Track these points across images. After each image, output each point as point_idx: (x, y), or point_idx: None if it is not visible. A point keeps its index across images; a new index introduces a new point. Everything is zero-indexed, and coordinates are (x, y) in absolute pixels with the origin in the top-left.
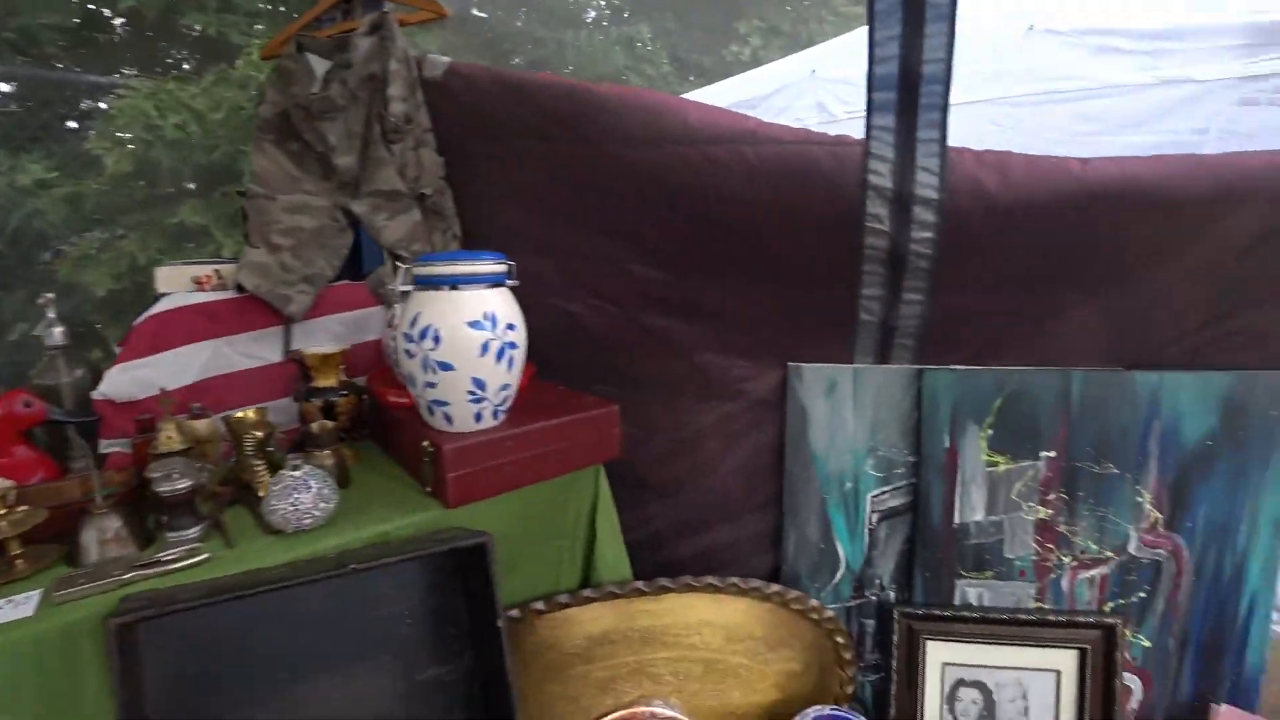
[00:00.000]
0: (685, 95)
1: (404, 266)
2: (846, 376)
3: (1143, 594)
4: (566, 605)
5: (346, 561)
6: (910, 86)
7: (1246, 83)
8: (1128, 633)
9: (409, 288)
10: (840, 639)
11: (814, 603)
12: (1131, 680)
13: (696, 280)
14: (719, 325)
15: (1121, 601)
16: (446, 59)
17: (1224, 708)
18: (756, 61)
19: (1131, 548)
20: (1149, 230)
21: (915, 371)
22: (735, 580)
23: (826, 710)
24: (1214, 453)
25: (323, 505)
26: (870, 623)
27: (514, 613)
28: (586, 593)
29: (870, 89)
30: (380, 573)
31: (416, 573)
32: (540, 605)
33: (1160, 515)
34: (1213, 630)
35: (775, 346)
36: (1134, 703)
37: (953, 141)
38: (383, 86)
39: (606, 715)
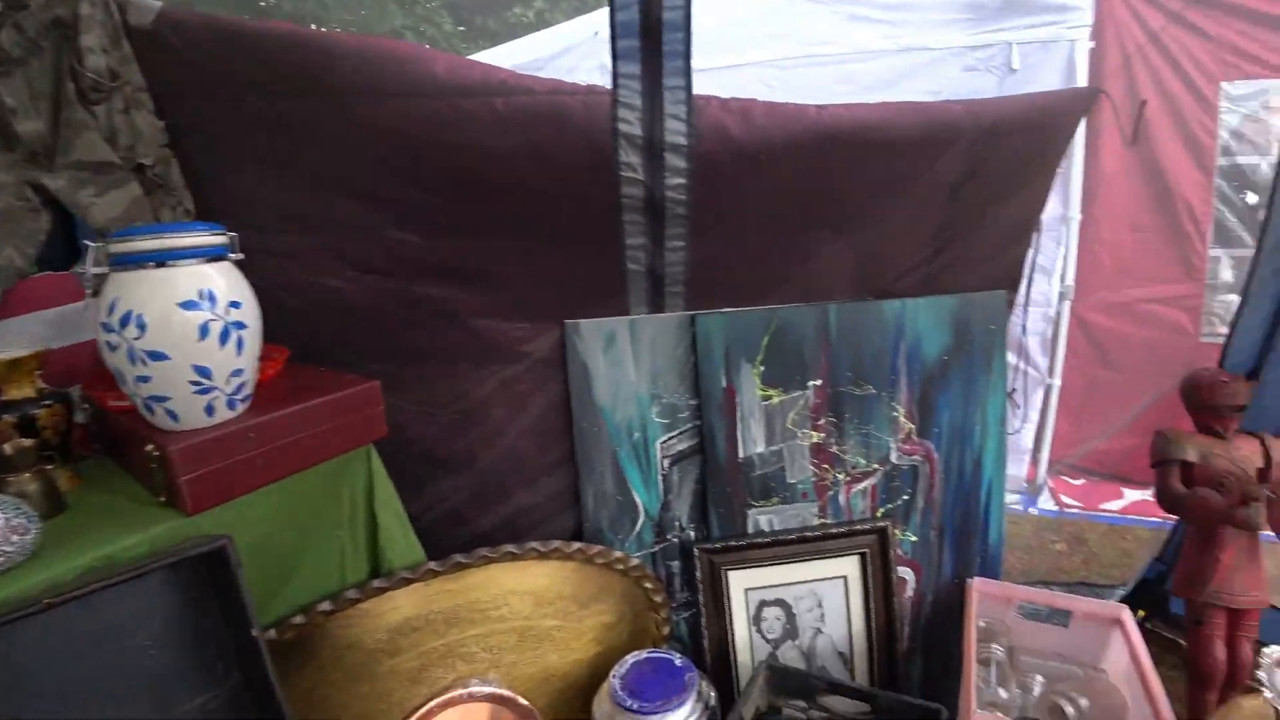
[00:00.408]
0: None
1: (93, 245)
2: (624, 328)
3: (906, 496)
4: (358, 600)
5: (45, 597)
6: (652, 34)
7: (969, 52)
8: (897, 532)
9: (103, 269)
10: (649, 585)
11: (618, 554)
12: (905, 572)
13: (463, 242)
14: (491, 288)
15: (889, 506)
16: (158, 3)
17: (977, 580)
18: (543, 23)
19: (893, 458)
20: (879, 170)
21: (688, 317)
22: (534, 545)
23: (644, 654)
24: (949, 366)
25: (15, 540)
26: (676, 564)
27: (299, 619)
28: (377, 583)
29: (614, 36)
30: (110, 601)
31: (152, 594)
32: (327, 606)
33: (913, 426)
34: (962, 518)
35: (550, 304)
36: (909, 591)
37: None
38: (74, 35)
39: (423, 706)
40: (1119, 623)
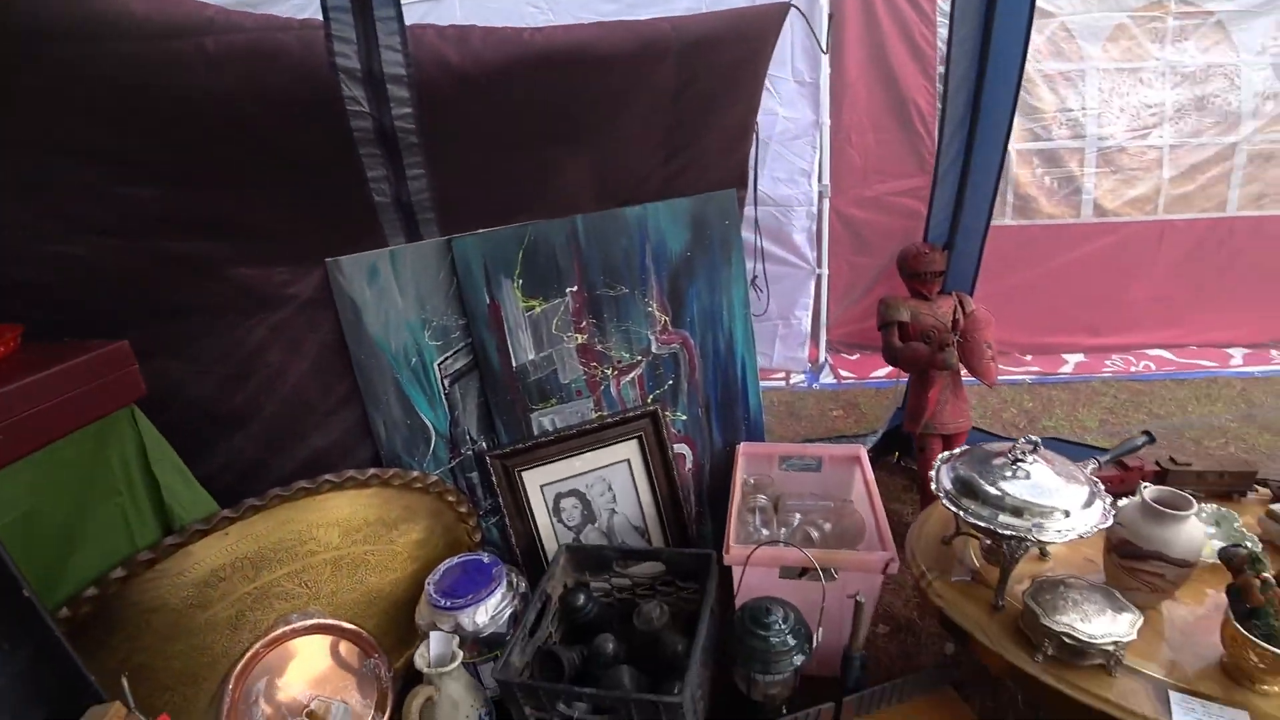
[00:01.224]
0: None
1: None
2: (384, 260)
3: (671, 381)
4: (153, 560)
5: None
6: None
7: None
8: (668, 414)
9: None
10: (452, 498)
11: (415, 474)
12: (681, 448)
13: (201, 192)
14: (241, 235)
15: (658, 391)
16: None
17: (743, 445)
18: None
19: (654, 348)
20: (599, 86)
21: (445, 242)
22: (329, 478)
23: (456, 559)
24: (693, 261)
25: None
26: (475, 475)
27: (92, 591)
28: (170, 541)
29: None
30: None
31: None
32: (120, 572)
33: (667, 318)
34: (724, 392)
35: (308, 245)
36: (689, 464)
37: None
38: None
39: (249, 650)
40: (857, 460)
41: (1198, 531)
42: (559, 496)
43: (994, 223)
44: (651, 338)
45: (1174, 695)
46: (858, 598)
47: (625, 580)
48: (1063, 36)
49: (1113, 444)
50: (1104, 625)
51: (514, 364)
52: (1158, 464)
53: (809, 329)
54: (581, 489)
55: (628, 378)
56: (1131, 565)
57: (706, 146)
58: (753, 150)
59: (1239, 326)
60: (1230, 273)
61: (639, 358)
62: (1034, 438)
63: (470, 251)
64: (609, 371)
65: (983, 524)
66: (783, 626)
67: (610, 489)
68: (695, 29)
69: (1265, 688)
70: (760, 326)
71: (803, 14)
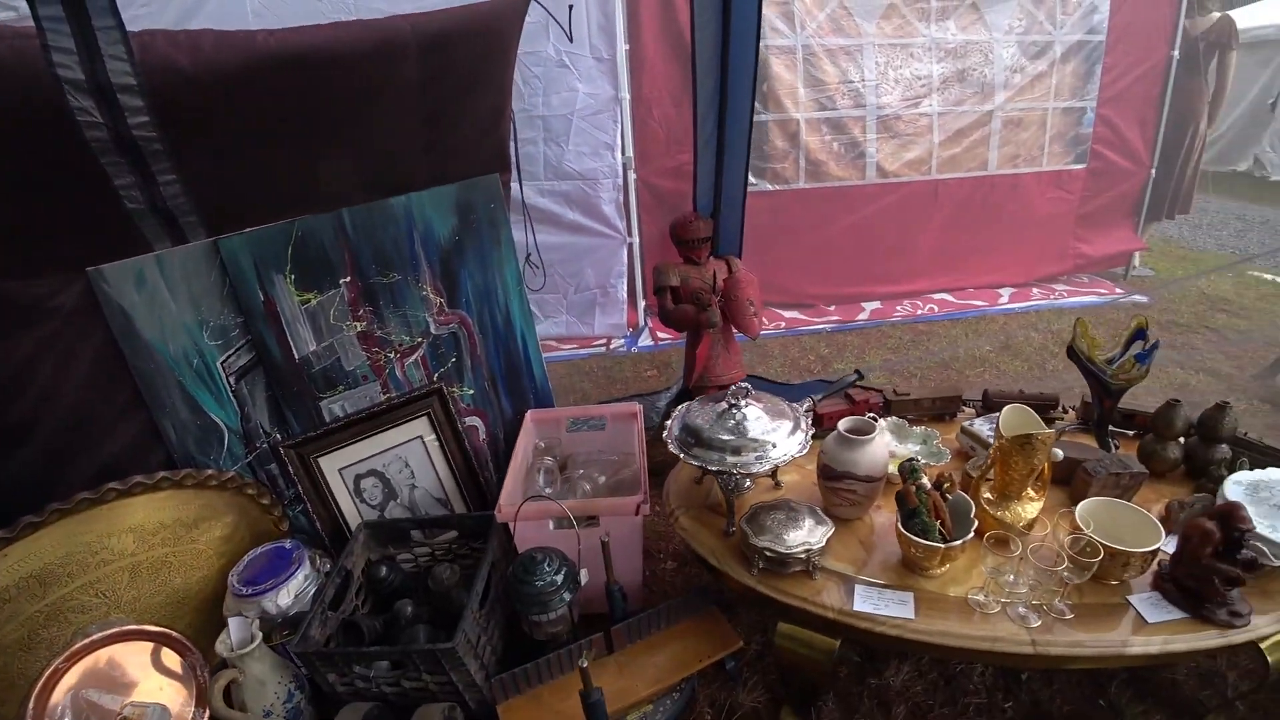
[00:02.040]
0: None
1: None
2: (150, 265)
3: (454, 359)
4: None
5: None
6: None
7: None
8: (455, 390)
9: None
10: (252, 491)
11: (209, 472)
12: (473, 420)
13: None
14: None
15: (443, 370)
16: None
17: (530, 412)
18: None
19: (433, 329)
20: (344, 86)
21: (212, 243)
22: (113, 485)
23: (259, 549)
24: (462, 243)
25: None
26: (274, 466)
27: None
28: None
29: None
30: None
31: None
32: None
33: (441, 299)
34: (508, 365)
35: (67, 255)
36: (482, 435)
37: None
38: None
39: (48, 668)
40: (634, 416)
41: (881, 452)
42: (358, 478)
43: (791, 186)
44: (429, 320)
45: (858, 587)
46: (603, 538)
47: (426, 549)
48: (842, 14)
49: (890, 380)
50: (800, 538)
51: (296, 356)
52: (883, 395)
53: (625, 296)
54: (379, 468)
55: (411, 359)
56: (830, 485)
57: (463, 135)
58: (511, 134)
59: (1006, 269)
60: (995, 223)
61: (419, 340)
62: (746, 384)
63: (239, 251)
64: (392, 355)
65: (705, 465)
66: (548, 570)
67: (407, 465)
68: (434, 26)
69: (931, 572)
70: (580, 297)
71: (544, 7)
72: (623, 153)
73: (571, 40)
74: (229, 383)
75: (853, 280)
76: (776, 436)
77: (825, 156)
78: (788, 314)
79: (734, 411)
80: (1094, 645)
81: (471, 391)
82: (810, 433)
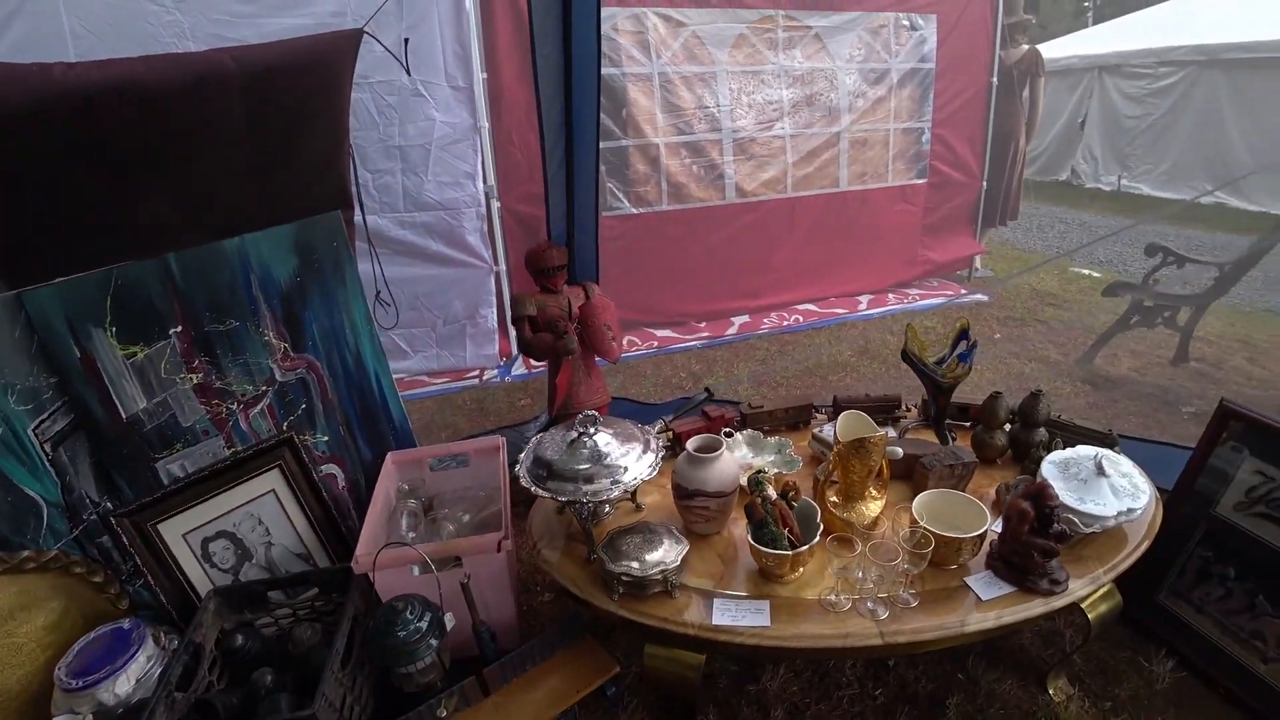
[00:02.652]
0: None
1: None
2: None
3: (304, 406)
4: None
5: None
6: None
7: None
8: (308, 438)
9: None
10: (80, 569)
11: (25, 554)
12: (331, 468)
13: None
14: None
15: (293, 418)
16: None
17: (390, 454)
18: None
19: (278, 376)
20: (157, 123)
21: (14, 297)
22: None
23: (93, 634)
24: (305, 284)
25: None
26: (106, 539)
27: None
28: None
29: None
30: None
31: None
32: None
33: (285, 344)
34: (363, 407)
35: None
36: (341, 482)
37: None
38: None
39: None
40: (498, 449)
41: (730, 468)
42: (206, 542)
43: (655, 208)
44: (274, 366)
45: (716, 601)
46: (462, 580)
47: (288, 610)
48: (695, 44)
49: (756, 391)
50: (657, 558)
51: (124, 415)
52: (738, 410)
53: (496, 325)
54: (230, 529)
55: (256, 409)
56: (684, 503)
57: (299, 172)
58: (352, 169)
59: (863, 278)
60: (850, 236)
61: (264, 388)
62: (593, 413)
63: (47, 304)
64: (234, 406)
65: (558, 496)
66: (410, 618)
67: (261, 522)
68: (260, 60)
69: (786, 579)
70: (449, 329)
71: (377, 40)
72: (484, 181)
73: (410, 74)
74: (44, 451)
75: (721, 296)
76: (627, 460)
77: (686, 179)
78: (660, 333)
79: (584, 440)
80: (936, 629)
81: (326, 438)
82: (661, 454)
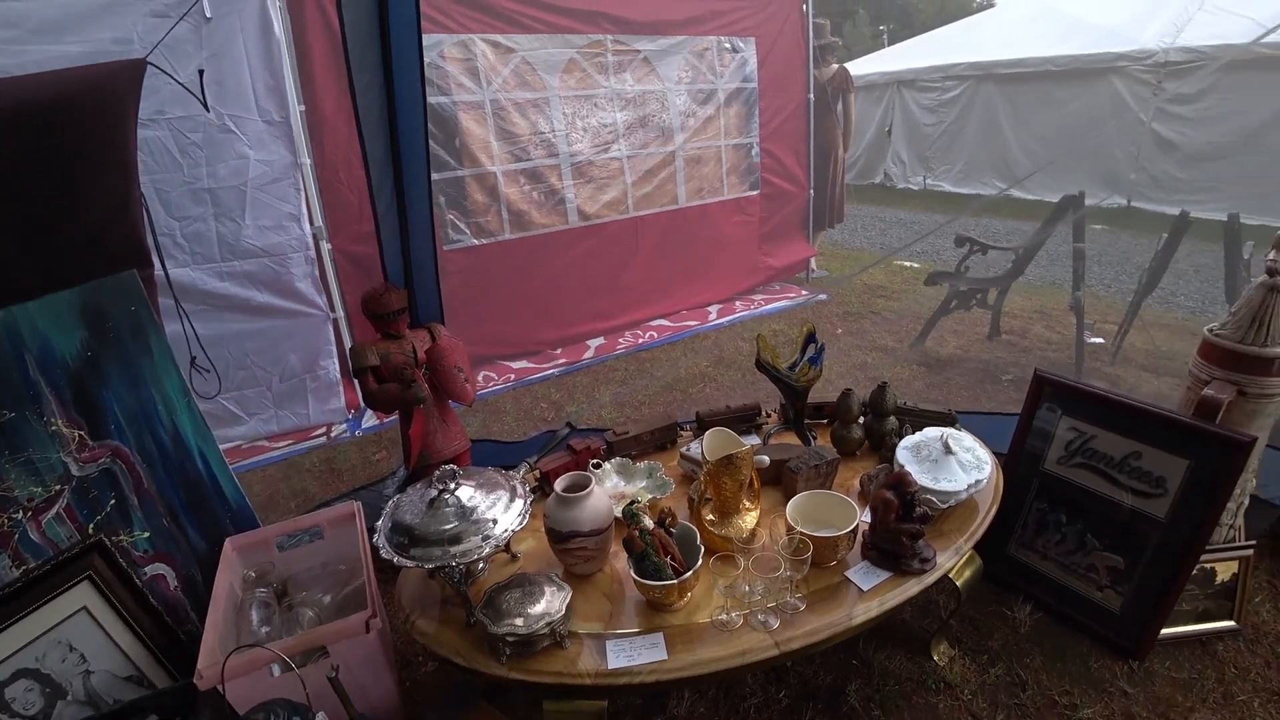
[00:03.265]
0: None
1: None
2: None
3: (113, 502)
4: None
5: None
6: None
7: None
8: (123, 538)
9: None
10: None
11: None
12: (159, 567)
13: None
14: None
15: (100, 518)
16: None
17: (228, 540)
18: None
19: (75, 471)
20: None
21: None
22: None
23: None
24: (98, 359)
25: None
26: None
27: None
28: None
29: None
30: None
31: None
32: None
33: (81, 432)
34: (188, 491)
35: None
36: (173, 582)
37: None
38: None
39: None
40: (353, 516)
41: (602, 503)
42: (2, 687)
43: (498, 238)
44: (68, 461)
45: (609, 643)
46: (329, 674)
47: None
48: (525, 69)
49: (620, 413)
50: (541, 610)
51: None
52: (604, 439)
53: (339, 376)
54: (32, 665)
55: (49, 514)
56: (561, 547)
57: (79, 227)
58: (145, 220)
59: (710, 289)
60: (693, 249)
61: (57, 488)
62: (451, 467)
63: None
64: (20, 515)
65: (424, 565)
66: None
67: (73, 649)
68: (21, 94)
69: (676, 606)
70: (287, 386)
71: (164, 71)
72: (311, 222)
73: (208, 108)
74: None
75: (574, 321)
76: (495, 512)
77: (527, 206)
78: (516, 365)
79: (444, 498)
80: (827, 627)
81: (147, 534)
82: (530, 498)
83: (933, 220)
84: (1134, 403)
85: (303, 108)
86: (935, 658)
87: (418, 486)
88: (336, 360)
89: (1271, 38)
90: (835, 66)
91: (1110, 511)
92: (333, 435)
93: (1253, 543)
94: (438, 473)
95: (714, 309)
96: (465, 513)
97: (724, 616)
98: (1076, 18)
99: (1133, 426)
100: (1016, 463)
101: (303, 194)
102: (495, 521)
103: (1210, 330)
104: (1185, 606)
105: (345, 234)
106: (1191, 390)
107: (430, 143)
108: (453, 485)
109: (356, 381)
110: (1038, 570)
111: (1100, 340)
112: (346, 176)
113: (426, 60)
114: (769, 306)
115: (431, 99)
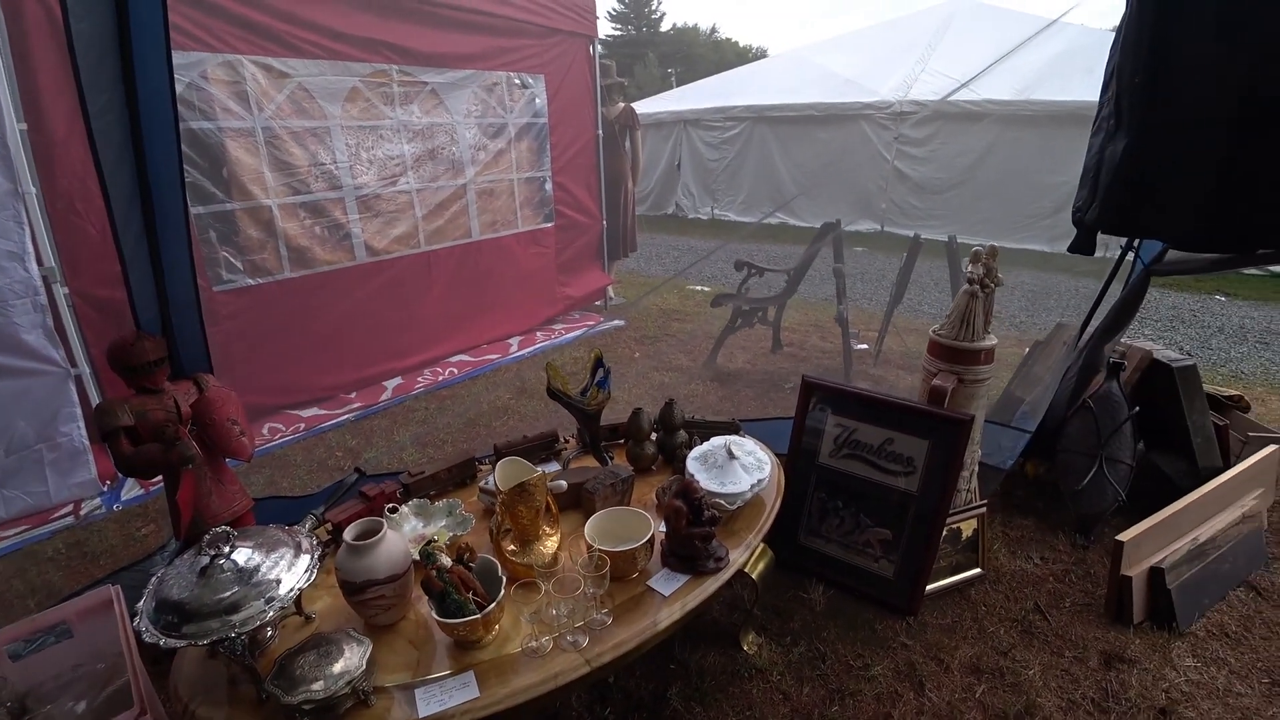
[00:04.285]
0: None
1: None
2: None
3: None
4: None
5: None
6: None
7: None
8: None
9: None
10: None
11: None
12: None
13: None
14: None
15: None
16: None
17: None
18: None
19: None
20: None
21: None
22: None
23: None
24: None
25: None
26: None
27: None
28: None
29: None
30: None
31: None
32: None
33: None
34: None
35: None
36: None
37: None
38: None
39: None
40: (110, 603)
41: (398, 547)
42: None
43: (276, 277)
44: None
45: (418, 691)
46: None
47: None
48: (302, 96)
49: (422, 454)
50: (339, 669)
51: None
52: (399, 482)
53: (87, 442)
54: None
55: None
56: (357, 599)
57: None
58: None
59: (509, 321)
60: (490, 282)
61: None
62: (226, 529)
63: None
64: None
65: (201, 642)
66: None
67: None
68: None
69: (485, 642)
70: (15, 460)
71: None
72: (40, 263)
73: None
74: None
75: (368, 362)
76: (278, 572)
77: (308, 241)
78: (306, 413)
79: (218, 564)
80: (635, 637)
81: None
82: (319, 552)
83: (721, 246)
84: (882, 397)
85: (23, 126)
86: (745, 647)
87: (185, 557)
88: (82, 424)
89: (968, 95)
90: (622, 105)
91: (876, 492)
92: (82, 514)
93: (985, 502)
94: (208, 537)
95: (515, 341)
96: (244, 576)
97: (534, 644)
98: (827, 70)
99: (884, 417)
100: (796, 460)
101: (27, 228)
102: (279, 581)
103: (934, 331)
104: (942, 563)
105: (87, 276)
106: (925, 381)
107: (191, 172)
108: (226, 549)
109: (108, 446)
110: (824, 553)
111: (865, 346)
112: (85, 209)
113: (186, 80)
114: (569, 335)
115: (193, 124)
